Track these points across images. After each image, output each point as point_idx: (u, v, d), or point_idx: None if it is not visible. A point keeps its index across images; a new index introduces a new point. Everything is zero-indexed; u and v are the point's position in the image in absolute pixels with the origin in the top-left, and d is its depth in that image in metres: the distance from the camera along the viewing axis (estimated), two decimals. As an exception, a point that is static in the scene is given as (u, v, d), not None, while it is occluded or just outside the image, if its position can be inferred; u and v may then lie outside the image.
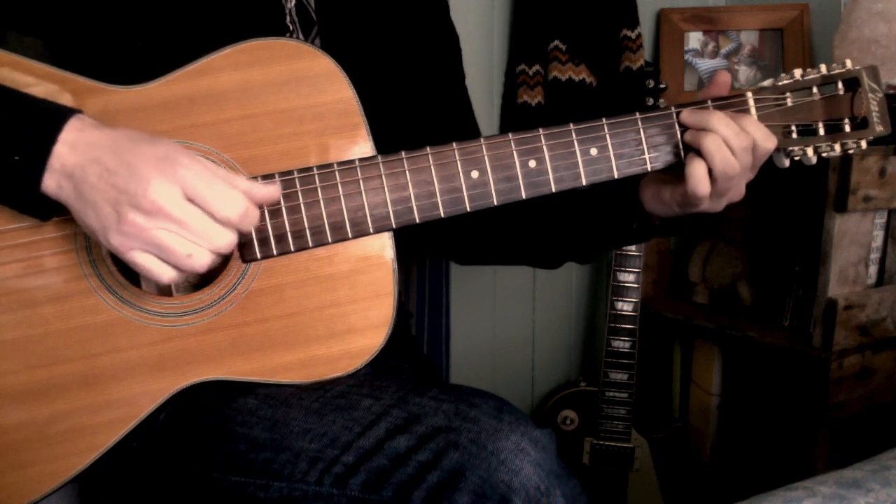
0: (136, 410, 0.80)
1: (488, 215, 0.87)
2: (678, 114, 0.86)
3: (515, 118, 1.80)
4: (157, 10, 0.86)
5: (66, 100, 0.77)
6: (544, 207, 0.96)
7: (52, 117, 0.71)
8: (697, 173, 0.83)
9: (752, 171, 0.86)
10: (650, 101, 1.67)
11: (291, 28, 0.93)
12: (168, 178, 0.68)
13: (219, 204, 0.70)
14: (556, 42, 1.77)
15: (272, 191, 0.76)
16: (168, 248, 0.69)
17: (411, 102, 1.02)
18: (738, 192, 0.87)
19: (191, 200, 0.69)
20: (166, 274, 0.71)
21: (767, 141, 0.84)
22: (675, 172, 0.88)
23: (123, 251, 0.70)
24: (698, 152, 0.84)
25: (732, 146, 0.82)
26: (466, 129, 1.10)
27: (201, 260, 0.71)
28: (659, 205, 0.91)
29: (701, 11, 1.91)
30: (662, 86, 1.68)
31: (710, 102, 0.86)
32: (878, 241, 1.54)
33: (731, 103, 0.87)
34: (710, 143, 0.82)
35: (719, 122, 0.83)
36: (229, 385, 0.83)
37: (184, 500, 0.89)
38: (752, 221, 1.80)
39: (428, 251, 1.30)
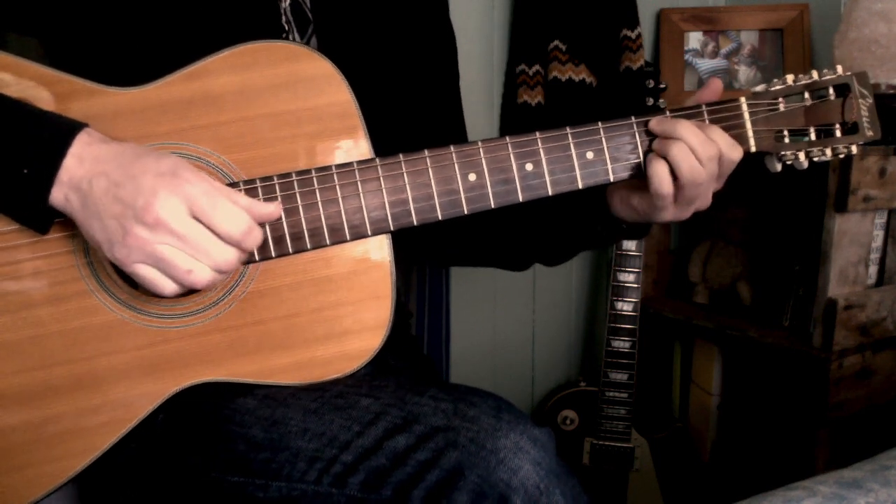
0: (134, 412, 0.80)
1: (457, 220, 0.87)
2: (647, 122, 0.87)
3: (515, 118, 1.80)
4: (154, 12, 0.86)
5: (63, 101, 0.77)
6: (512, 210, 0.96)
7: (62, 131, 0.72)
8: (659, 173, 0.84)
9: (718, 180, 0.87)
10: (650, 102, 1.67)
11: (287, 28, 0.93)
12: (173, 193, 0.70)
13: (222, 221, 0.71)
14: (556, 42, 1.77)
15: (273, 209, 0.77)
16: (169, 262, 0.70)
17: (404, 103, 1.02)
18: (704, 200, 0.88)
19: (195, 216, 0.71)
20: (168, 287, 0.72)
21: (732, 151, 0.85)
22: (643, 178, 0.89)
23: (126, 263, 0.71)
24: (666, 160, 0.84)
25: (699, 154, 0.83)
26: (453, 132, 1.10)
27: (201, 276, 0.72)
28: (627, 209, 0.92)
29: (701, 11, 1.91)
30: (662, 86, 1.68)
31: (704, 107, 0.87)
32: (878, 241, 1.53)
33: (725, 108, 0.88)
34: (677, 151, 0.83)
35: (686, 130, 0.84)
36: (228, 386, 0.83)
37: (183, 500, 0.89)
38: (752, 221, 1.80)
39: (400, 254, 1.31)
